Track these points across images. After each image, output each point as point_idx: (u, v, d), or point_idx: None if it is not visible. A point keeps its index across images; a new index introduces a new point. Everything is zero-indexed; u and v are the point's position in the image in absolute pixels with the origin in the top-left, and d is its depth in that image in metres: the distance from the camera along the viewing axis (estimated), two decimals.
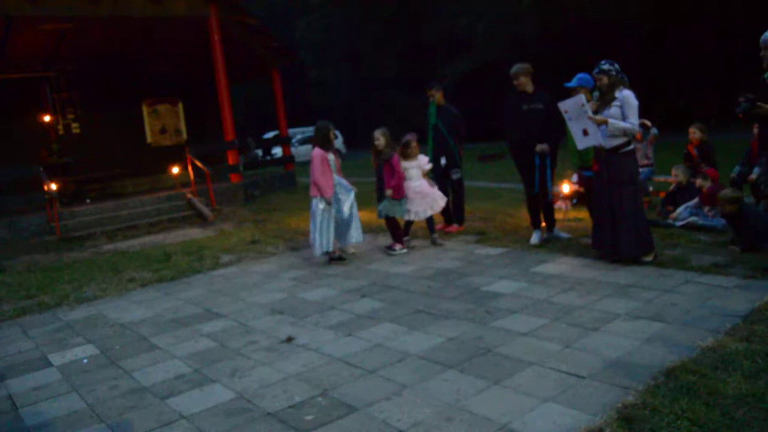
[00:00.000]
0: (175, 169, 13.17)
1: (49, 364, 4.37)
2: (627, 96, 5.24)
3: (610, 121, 5.22)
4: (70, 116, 14.10)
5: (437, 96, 7.65)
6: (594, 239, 5.71)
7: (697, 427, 2.66)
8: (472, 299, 4.89)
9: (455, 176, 7.63)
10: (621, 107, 5.24)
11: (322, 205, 6.48)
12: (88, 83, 13.62)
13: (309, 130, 24.92)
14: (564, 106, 5.50)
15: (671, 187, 7.44)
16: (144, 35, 12.31)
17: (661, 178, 8.31)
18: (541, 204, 6.66)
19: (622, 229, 5.34)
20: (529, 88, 6.43)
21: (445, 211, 7.44)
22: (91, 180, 13.06)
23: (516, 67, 6.45)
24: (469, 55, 25.72)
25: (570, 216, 7.86)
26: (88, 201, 11.93)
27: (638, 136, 6.13)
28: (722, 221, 6.11)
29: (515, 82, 6.44)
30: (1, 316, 5.76)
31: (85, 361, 4.38)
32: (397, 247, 6.82)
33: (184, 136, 15.21)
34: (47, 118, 13.78)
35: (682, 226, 6.60)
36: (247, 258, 7.42)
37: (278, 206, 11.60)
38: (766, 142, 5.15)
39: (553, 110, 5.76)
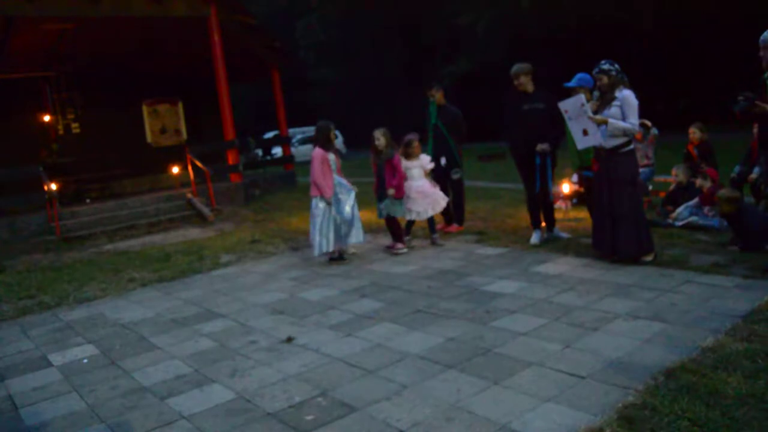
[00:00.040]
0: (175, 169, 13.16)
1: (49, 364, 4.37)
2: (627, 96, 5.24)
3: (610, 121, 5.22)
4: (70, 116, 14.09)
5: (438, 96, 7.65)
6: (594, 239, 5.71)
7: (697, 427, 2.66)
8: (472, 299, 4.89)
9: (455, 176, 7.63)
10: (621, 107, 5.24)
11: (322, 205, 6.48)
12: (88, 83, 13.60)
13: (309, 130, 24.95)
14: (564, 106, 5.51)
15: (671, 187, 7.44)
16: (144, 35, 12.29)
17: (661, 178, 8.31)
18: (541, 204, 6.66)
19: (622, 229, 5.35)
20: (530, 87, 6.44)
21: (445, 211, 7.45)
22: (91, 180, 13.05)
23: (516, 67, 6.46)
24: (469, 55, 25.71)
25: (570, 216, 7.86)
26: (88, 201, 11.93)
27: (638, 136, 6.14)
28: (723, 221, 6.12)
29: (516, 82, 6.44)
30: (1, 316, 5.76)
31: (85, 361, 4.38)
32: (399, 246, 6.83)
33: (184, 136, 15.20)
34: (47, 118, 13.78)
35: (682, 226, 6.60)
36: (247, 258, 7.42)
37: (278, 206, 11.60)
38: (766, 141, 5.16)
39: (554, 109, 5.76)
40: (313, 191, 6.52)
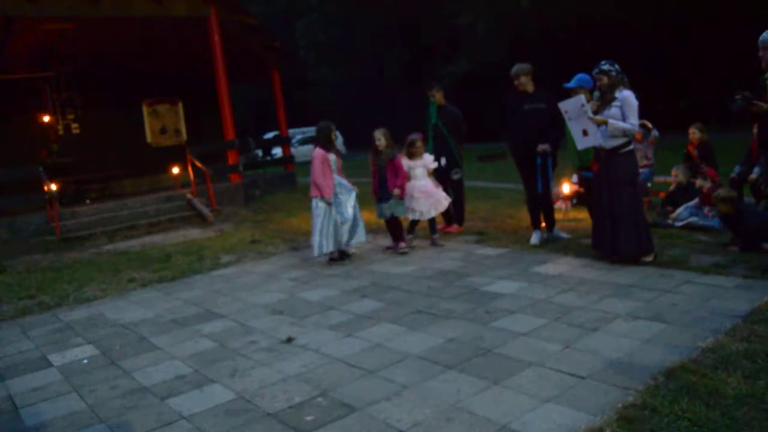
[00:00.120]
0: (175, 169, 13.15)
1: (49, 365, 4.37)
2: (627, 96, 5.24)
3: (610, 121, 5.22)
4: (70, 116, 14.07)
5: (438, 96, 7.65)
6: (594, 240, 5.71)
7: (697, 427, 2.66)
8: (472, 299, 4.89)
9: (455, 176, 7.64)
10: (621, 107, 5.24)
11: (322, 205, 6.48)
12: (88, 83, 13.59)
13: (309, 131, 24.95)
14: (564, 106, 5.51)
15: (671, 188, 7.44)
16: (144, 35, 12.29)
17: (661, 179, 8.31)
18: (543, 204, 6.66)
19: (621, 230, 5.35)
20: (530, 88, 6.44)
21: (445, 212, 7.45)
22: (91, 180, 13.04)
23: (517, 67, 6.46)
24: (469, 55, 25.71)
25: (570, 216, 7.86)
26: (88, 201, 11.93)
27: (638, 136, 6.14)
28: (723, 221, 6.12)
29: (516, 82, 6.45)
30: (1, 316, 5.76)
31: (85, 361, 4.38)
32: (402, 245, 6.84)
33: (184, 136, 15.19)
34: (47, 118, 13.76)
35: (682, 227, 6.60)
36: (247, 258, 7.42)
37: (278, 206, 11.60)
38: (766, 141, 5.16)
39: (555, 109, 5.76)
40: (313, 191, 6.52)
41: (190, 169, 11.76)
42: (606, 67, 5.28)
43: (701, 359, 3.33)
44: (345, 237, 6.58)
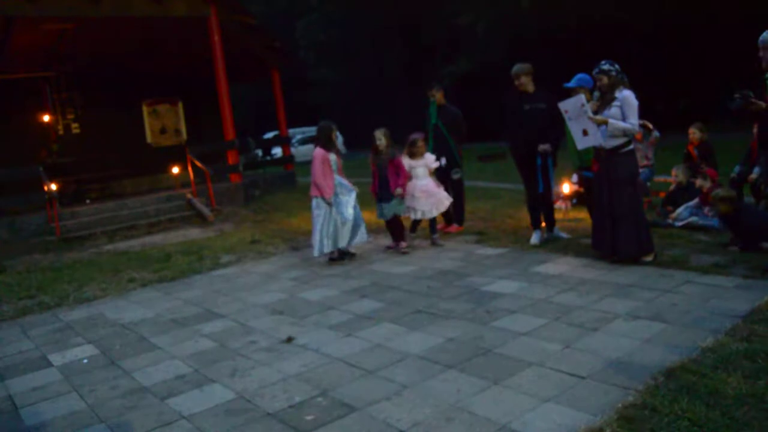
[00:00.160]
0: (175, 169, 13.15)
1: (49, 364, 4.37)
2: (627, 96, 5.24)
3: (610, 121, 5.22)
4: (70, 116, 14.09)
5: (438, 96, 7.65)
6: (594, 239, 5.71)
7: (697, 427, 2.66)
8: (472, 299, 4.89)
9: (455, 176, 7.64)
10: (621, 107, 5.24)
11: (322, 205, 6.48)
12: (88, 83, 13.60)
13: (309, 130, 24.94)
14: (564, 106, 5.51)
15: (671, 188, 7.44)
16: (144, 35, 12.29)
17: (661, 178, 8.31)
18: (544, 204, 6.66)
19: (621, 230, 5.35)
20: (530, 87, 6.44)
21: (445, 212, 7.45)
22: (91, 180, 13.05)
23: (517, 67, 6.46)
24: (469, 55, 25.71)
25: (570, 216, 7.86)
26: (88, 201, 11.93)
27: (638, 136, 6.14)
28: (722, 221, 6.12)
29: (516, 82, 6.44)
30: (1, 316, 5.76)
31: (85, 361, 4.38)
32: (403, 245, 6.85)
33: (184, 136, 15.21)
34: (47, 118, 13.77)
35: (682, 226, 6.60)
36: (247, 258, 7.42)
37: (278, 206, 11.60)
38: (766, 141, 5.16)
39: (555, 109, 5.76)
40: (314, 191, 6.52)
41: (190, 169, 11.76)
42: (606, 67, 5.28)
43: (701, 359, 3.33)
44: (347, 237, 6.57)
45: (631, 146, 5.40)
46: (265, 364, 3.97)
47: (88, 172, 12.98)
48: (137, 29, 11.89)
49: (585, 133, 5.40)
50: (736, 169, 7.04)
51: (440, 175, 7.47)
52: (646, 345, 3.64)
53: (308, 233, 6.89)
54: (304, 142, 25.22)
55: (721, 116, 14.06)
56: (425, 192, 6.92)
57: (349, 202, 6.59)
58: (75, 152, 13.39)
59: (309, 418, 3.15)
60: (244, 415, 3.26)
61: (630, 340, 3.73)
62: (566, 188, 8.10)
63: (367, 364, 3.79)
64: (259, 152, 21.30)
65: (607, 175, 5.40)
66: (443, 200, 7.04)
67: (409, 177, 6.93)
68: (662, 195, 7.75)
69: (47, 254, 8.63)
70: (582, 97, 5.39)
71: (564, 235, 6.74)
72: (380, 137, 6.76)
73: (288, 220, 9.98)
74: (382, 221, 7.19)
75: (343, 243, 6.59)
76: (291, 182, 14.33)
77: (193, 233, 9.57)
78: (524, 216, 7.37)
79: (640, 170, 6.48)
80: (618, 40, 19.80)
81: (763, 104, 4.75)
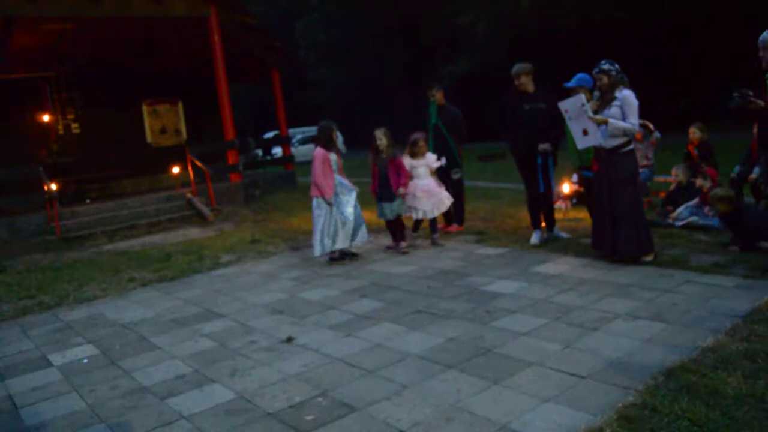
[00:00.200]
0: (175, 169, 13.16)
1: (49, 364, 4.37)
2: (627, 96, 5.24)
3: (610, 121, 5.22)
4: (70, 116, 14.09)
5: (438, 96, 7.65)
6: (594, 239, 5.71)
7: (697, 427, 2.66)
8: (472, 299, 4.89)
9: (455, 176, 7.64)
10: (621, 107, 5.24)
11: (323, 205, 6.48)
12: (88, 83, 13.60)
13: (309, 130, 24.94)
14: (564, 105, 5.51)
15: (671, 187, 7.44)
16: (144, 35, 12.30)
17: (661, 178, 8.31)
18: (544, 204, 6.66)
19: (621, 229, 5.35)
20: (530, 87, 6.44)
21: (445, 211, 7.45)
22: (91, 180, 13.05)
23: (517, 67, 6.46)
24: (469, 55, 25.71)
25: (570, 216, 7.86)
26: (88, 201, 11.93)
27: (638, 136, 6.14)
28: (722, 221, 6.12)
29: (516, 82, 6.44)
30: (1, 316, 5.76)
31: (85, 361, 4.38)
32: (404, 245, 6.85)
33: (184, 136, 15.21)
34: (47, 118, 13.77)
35: (682, 226, 6.60)
36: (247, 258, 7.42)
37: (278, 206, 11.60)
38: (766, 141, 5.16)
39: (555, 109, 5.76)
40: (314, 191, 6.52)
41: (190, 168, 11.76)
42: (606, 66, 5.28)
43: (701, 359, 3.33)
44: (348, 237, 6.56)
45: (631, 146, 5.40)
46: (265, 364, 3.97)
47: (88, 172, 12.98)
48: (137, 29, 11.89)
49: (585, 132, 5.40)
50: (736, 169, 7.04)
51: (440, 175, 7.48)
52: (646, 345, 3.64)
53: (308, 233, 6.89)
54: (304, 142, 25.22)
55: (721, 116, 14.07)
56: (426, 192, 6.93)
57: (349, 202, 6.59)
58: (75, 152, 13.40)
59: (309, 418, 3.15)
60: (244, 415, 3.26)
61: (630, 340, 3.73)
62: (566, 188, 8.10)
63: (367, 364, 3.79)
64: (259, 152, 21.30)
65: (607, 174, 5.40)
66: (444, 200, 7.04)
67: (410, 177, 6.93)
68: (662, 195, 7.75)
69: (47, 254, 8.63)
70: (582, 97, 5.39)
71: (564, 235, 6.74)
72: (381, 137, 6.76)
73: (288, 220, 9.98)
74: (382, 221, 7.19)
75: (344, 243, 6.58)
76: (291, 182, 14.33)
77: (193, 233, 9.57)
78: (524, 216, 7.37)
79: (640, 170, 6.48)
80: (618, 40, 19.80)
81: (761, 103, 4.75)
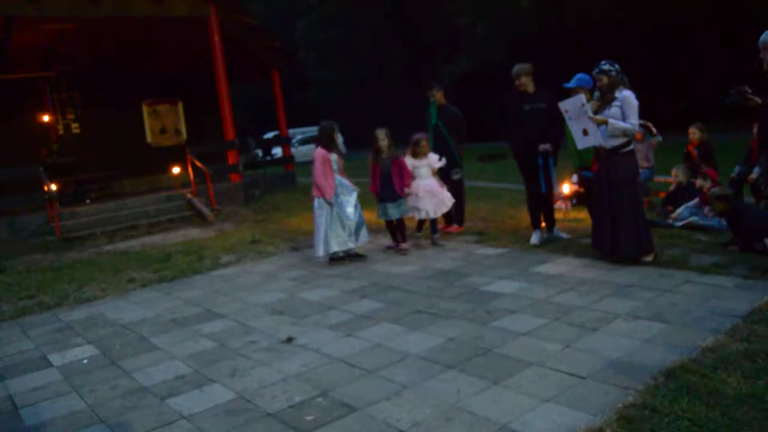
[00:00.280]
0: (175, 169, 13.16)
1: (49, 365, 4.37)
2: (627, 96, 5.24)
3: (610, 121, 5.22)
4: (70, 116, 14.09)
5: (438, 96, 7.65)
6: (594, 239, 5.71)
7: (697, 427, 2.66)
8: (472, 299, 4.89)
9: (455, 176, 7.63)
10: (621, 107, 5.24)
11: (324, 206, 6.48)
12: (88, 83, 13.60)
13: (309, 131, 24.93)
14: (564, 105, 5.51)
15: (671, 188, 7.44)
16: (144, 35, 12.29)
17: (661, 178, 8.31)
18: (546, 204, 6.66)
19: (621, 230, 5.35)
20: (531, 88, 6.44)
21: (445, 212, 7.45)
22: (91, 180, 13.05)
23: (517, 67, 6.46)
24: (469, 55, 25.71)
25: (570, 216, 7.86)
26: (88, 201, 11.93)
27: (638, 136, 6.14)
28: (722, 221, 6.12)
29: (517, 82, 6.44)
30: (1, 316, 5.76)
31: (85, 361, 4.38)
32: (404, 245, 6.85)
33: (184, 136, 15.20)
34: (47, 118, 13.77)
35: (682, 226, 6.60)
36: (247, 258, 7.42)
37: (278, 206, 11.60)
38: (766, 141, 5.15)
39: (555, 109, 5.76)
40: (315, 191, 6.52)
41: (190, 169, 11.76)
42: (606, 67, 5.28)
43: (701, 359, 3.33)
44: (351, 238, 6.56)
45: (631, 146, 5.40)
46: (265, 364, 3.97)
47: (88, 172, 12.98)
48: (137, 29, 11.89)
49: (585, 133, 5.40)
50: (736, 169, 7.04)
51: (440, 176, 7.47)
52: (646, 345, 3.64)
53: (309, 233, 6.89)
54: (304, 142, 25.21)
55: (722, 116, 14.07)
56: (428, 192, 6.93)
57: (350, 202, 6.58)
58: (75, 152, 13.39)
59: (309, 418, 3.15)
60: (244, 415, 3.26)
61: (630, 340, 3.73)
62: (566, 188, 8.10)
63: (367, 364, 3.79)
64: (259, 152, 21.29)
65: (607, 175, 5.40)
66: (445, 200, 7.04)
67: (412, 177, 6.93)
68: (662, 195, 7.75)
69: (47, 254, 8.63)
70: (582, 97, 5.39)
71: (564, 235, 6.74)
72: (383, 137, 6.75)
73: (288, 220, 9.98)
74: (382, 221, 7.19)
75: (348, 245, 6.56)
76: (291, 182, 14.33)
77: (193, 233, 9.57)
78: (524, 216, 7.37)
79: (640, 171, 6.48)
80: (618, 40, 19.80)
81: (758, 99, 4.74)
